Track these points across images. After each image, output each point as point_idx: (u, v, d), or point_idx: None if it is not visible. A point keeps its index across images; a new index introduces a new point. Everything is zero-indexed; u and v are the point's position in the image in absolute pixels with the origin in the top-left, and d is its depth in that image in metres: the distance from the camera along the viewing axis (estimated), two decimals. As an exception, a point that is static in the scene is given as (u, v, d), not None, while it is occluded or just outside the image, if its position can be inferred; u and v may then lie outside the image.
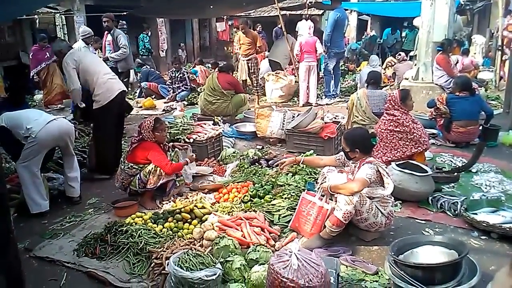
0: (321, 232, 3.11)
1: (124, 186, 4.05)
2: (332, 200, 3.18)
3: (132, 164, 3.95)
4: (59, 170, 4.77)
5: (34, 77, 9.17)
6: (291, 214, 3.44)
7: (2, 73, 9.85)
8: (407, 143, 4.37)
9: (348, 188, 2.97)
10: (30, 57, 8.98)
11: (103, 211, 3.99)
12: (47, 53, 8.58)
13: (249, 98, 8.39)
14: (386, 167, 3.16)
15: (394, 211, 3.40)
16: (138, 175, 3.93)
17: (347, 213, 2.94)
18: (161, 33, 15.57)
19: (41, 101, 10.01)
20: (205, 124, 5.53)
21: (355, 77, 10.35)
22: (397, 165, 4.00)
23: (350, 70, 11.81)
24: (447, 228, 3.45)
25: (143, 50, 11.84)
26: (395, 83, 9.14)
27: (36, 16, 9.87)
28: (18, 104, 5.25)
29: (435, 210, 3.73)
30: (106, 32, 7.75)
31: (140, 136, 3.96)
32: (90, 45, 7.33)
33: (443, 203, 3.75)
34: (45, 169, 4.35)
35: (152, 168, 3.88)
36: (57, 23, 11.00)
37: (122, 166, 4.01)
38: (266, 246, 2.99)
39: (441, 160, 5.00)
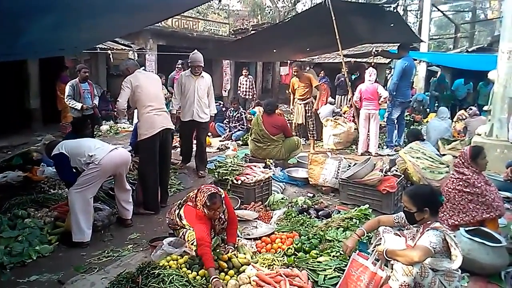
0: (372, 302, 2.71)
1: (169, 225, 3.87)
2: (387, 266, 2.77)
3: (180, 217, 3.70)
4: (108, 201, 4.81)
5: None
6: (339, 276, 3.06)
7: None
8: (477, 206, 3.84)
9: (408, 256, 2.56)
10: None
11: (141, 249, 3.86)
12: None
13: (304, 142, 8.16)
14: (454, 236, 2.71)
15: (461, 285, 2.90)
16: (183, 232, 3.64)
17: (405, 285, 2.52)
18: (225, 74, 16.10)
19: (106, 132, 10.58)
20: (255, 166, 5.35)
21: (421, 129, 9.77)
22: (466, 231, 3.49)
23: (416, 121, 11.23)
24: (522, 310, 2.89)
25: None
26: (466, 139, 8.45)
27: (109, 52, 10.58)
28: (77, 132, 5.40)
29: (508, 288, 3.17)
30: (78, 80, 7.49)
31: (195, 203, 3.54)
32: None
33: (517, 279, 3.18)
34: (94, 198, 4.35)
35: (193, 239, 3.47)
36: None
37: (175, 209, 3.79)
38: (306, 312, 2.63)
39: (517, 229, 4.34)
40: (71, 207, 3.89)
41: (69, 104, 7.39)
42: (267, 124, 6.43)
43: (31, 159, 6.06)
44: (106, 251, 3.78)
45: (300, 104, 8.10)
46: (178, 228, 3.71)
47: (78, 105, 7.30)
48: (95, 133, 8.87)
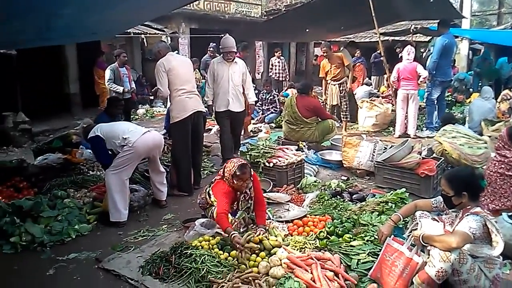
0: (407, 288, 2.62)
1: (200, 206, 3.94)
2: (424, 252, 2.67)
3: (209, 195, 3.76)
4: (143, 182, 4.92)
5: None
6: (373, 261, 2.97)
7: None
8: (520, 191, 3.63)
9: (446, 242, 2.45)
10: None
11: (175, 229, 3.93)
12: None
13: (338, 124, 7.98)
14: (496, 221, 2.57)
15: (502, 272, 2.75)
16: (211, 210, 3.69)
17: (442, 272, 2.42)
18: (258, 56, 15.94)
19: (142, 116, 10.80)
20: (287, 148, 5.28)
21: (463, 109, 9.33)
22: (509, 216, 3.31)
23: (458, 101, 10.71)
24: None
25: None
26: (510, 120, 7.99)
27: (143, 36, 10.72)
28: (112, 115, 5.54)
29: (554, 276, 2.97)
30: (117, 65, 7.69)
31: (223, 174, 3.67)
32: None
33: None
34: (130, 180, 4.45)
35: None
36: (163, 44, 11.87)
37: (206, 188, 3.87)
38: (338, 296, 2.60)
39: None
40: (108, 188, 4.01)
41: (111, 88, 7.56)
42: (300, 106, 6.29)
43: (70, 142, 6.28)
44: (141, 231, 3.89)
45: (334, 85, 7.89)
46: (208, 206, 3.76)
47: (120, 89, 7.47)
48: (132, 116, 9.09)
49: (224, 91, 5.64)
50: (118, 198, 3.97)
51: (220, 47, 5.81)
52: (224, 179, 3.58)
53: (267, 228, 3.55)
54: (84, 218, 4.07)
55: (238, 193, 3.59)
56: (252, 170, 3.64)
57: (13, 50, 7.60)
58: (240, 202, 3.64)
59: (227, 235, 3.23)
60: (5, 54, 7.58)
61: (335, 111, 8.13)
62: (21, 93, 8.18)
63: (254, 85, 10.86)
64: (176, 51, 9.80)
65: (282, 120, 6.82)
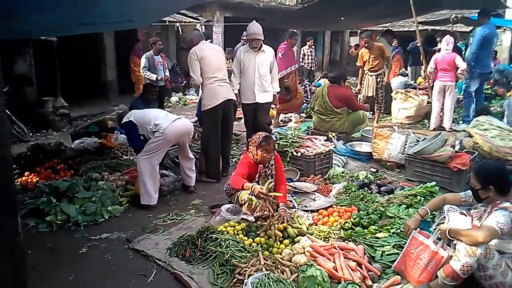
0: (432, 282, 2.59)
1: (226, 192, 4.02)
2: (450, 246, 2.62)
3: None
4: (173, 168, 5.04)
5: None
6: (397, 253, 2.95)
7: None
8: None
9: (472, 237, 2.39)
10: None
11: (202, 214, 4.03)
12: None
13: (371, 116, 7.84)
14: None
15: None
16: (237, 195, 3.76)
17: (467, 266, 2.37)
18: (292, 45, 15.75)
19: (176, 103, 11.00)
20: (316, 138, 5.25)
21: (503, 103, 8.93)
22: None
23: (498, 94, 10.24)
24: None
25: None
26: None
27: (177, 24, 10.85)
28: (146, 101, 5.70)
29: None
30: (152, 53, 7.85)
31: (247, 148, 3.77)
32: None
33: None
34: (161, 165, 4.56)
35: (246, 198, 3.58)
36: (197, 32, 12.00)
37: (232, 173, 3.96)
38: (360, 286, 2.60)
39: None
40: (139, 172, 4.15)
41: (145, 75, 7.71)
42: (331, 96, 6.20)
43: (106, 127, 6.49)
44: (170, 214, 4.00)
45: (371, 76, 7.68)
46: (233, 192, 3.83)
47: (154, 76, 7.61)
48: (165, 104, 9.28)
49: (249, 82, 5.37)
50: (149, 182, 4.11)
51: (246, 33, 5.58)
52: (248, 152, 3.68)
53: (292, 216, 3.57)
54: (117, 200, 4.23)
55: (261, 166, 3.67)
56: (275, 148, 3.74)
57: (54, 37, 7.88)
58: (261, 178, 3.70)
59: (246, 189, 3.35)
60: (46, 41, 7.88)
61: (369, 103, 7.96)
62: (60, 79, 8.50)
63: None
64: (210, 40, 9.84)
65: (312, 110, 6.74)
